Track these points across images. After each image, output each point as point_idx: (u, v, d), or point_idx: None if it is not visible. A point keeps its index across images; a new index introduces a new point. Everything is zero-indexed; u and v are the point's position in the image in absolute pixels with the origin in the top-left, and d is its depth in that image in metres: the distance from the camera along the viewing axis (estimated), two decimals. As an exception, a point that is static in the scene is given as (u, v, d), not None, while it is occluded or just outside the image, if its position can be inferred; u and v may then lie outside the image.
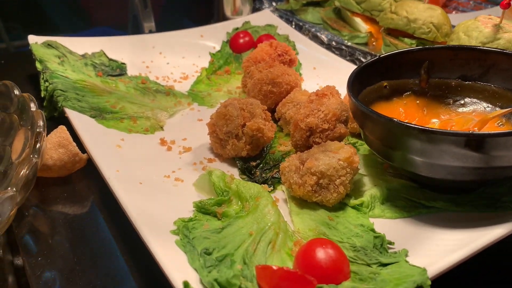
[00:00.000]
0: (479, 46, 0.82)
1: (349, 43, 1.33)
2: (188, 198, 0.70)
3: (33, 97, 0.78)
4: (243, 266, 0.56)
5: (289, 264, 0.59)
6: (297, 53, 1.26)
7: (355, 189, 0.73)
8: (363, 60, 1.25)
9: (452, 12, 1.64)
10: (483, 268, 0.65)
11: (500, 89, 0.77)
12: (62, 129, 0.81)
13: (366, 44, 1.34)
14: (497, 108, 0.77)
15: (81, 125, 0.86)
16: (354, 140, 0.88)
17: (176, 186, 0.76)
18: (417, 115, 0.78)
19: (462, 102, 0.80)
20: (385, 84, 0.81)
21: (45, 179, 0.81)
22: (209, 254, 0.58)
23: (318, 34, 1.39)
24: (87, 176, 0.83)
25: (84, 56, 1.15)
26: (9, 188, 0.65)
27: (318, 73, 1.18)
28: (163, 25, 1.63)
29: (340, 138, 0.78)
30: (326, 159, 0.68)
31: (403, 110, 0.79)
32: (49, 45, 1.13)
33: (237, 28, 1.39)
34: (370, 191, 0.72)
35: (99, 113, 0.92)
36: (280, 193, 0.76)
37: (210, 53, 1.29)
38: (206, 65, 1.25)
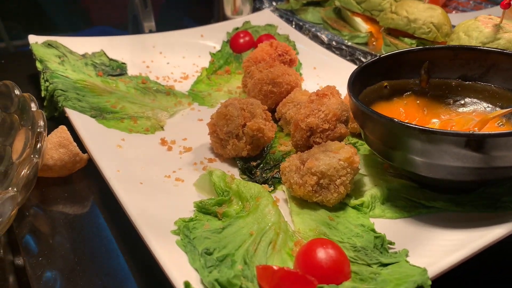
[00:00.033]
0: (479, 46, 0.82)
1: (349, 43, 1.33)
2: (189, 198, 0.71)
3: (33, 97, 0.78)
4: (244, 266, 0.57)
5: (290, 264, 0.59)
6: (297, 53, 1.26)
7: (356, 189, 0.73)
8: (364, 60, 1.25)
9: (452, 11, 1.64)
10: (483, 268, 0.66)
11: (500, 89, 0.77)
12: (62, 129, 0.82)
13: (366, 44, 1.34)
14: (497, 108, 0.77)
15: (81, 125, 0.86)
16: (354, 140, 0.88)
17: (176, 186, 0.76)
18: (417, 115, 0.78)
19: (463, 102, 0.80)
20: (386, 84, 0.82)
21: (45, 179, 0.81)
22: (210, 254, 0.58)
23: (318, 34, 1.39)
24: (87, 176, 0.84)
25: (84, 56, 1.15)
26: (9, 188, 0.65)
27: (318, 73, 1.18)
28: (163, 25, 1.63)
29: (340, 138, 0.78)
30: (326, 159, 0.68)
31: (404, 110, 0.79)
32: (49, 45, 1.13)
33: (237, 28, 1.39)
34: (371, 191, 0.72)
35: (99, 113, 0.92)
36: (281, 193, 0.76)
37: (210, 53, 1.29)
38: (206, 65, 1.25)
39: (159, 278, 0.58)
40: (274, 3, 1.67)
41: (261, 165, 0.83)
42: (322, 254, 0.55)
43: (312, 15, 1.52)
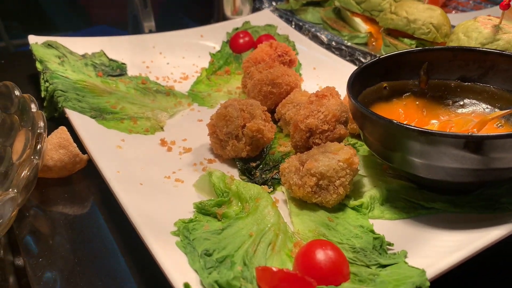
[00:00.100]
0: (479, 47, 0.82)
1: (349, 43, 1.33)
2: (188, 199, 0.71)
3: (33, 98, 0.78)
4: (243, 268, 0.57)
5: (289, 266, 0.59)
6: (297, 53, 1.26)
7: (355, 190, 0.74)
8: (363, 60, 1.25)
9: (452, 11, 1.64)
10: (482, 269, 0.66)
11: (499, 90, 0.78)
12: (62, 130, 0.82)
13: (366, 44, 1.34)
14: (496, 109, 0.77)
15: (81, 125, 0.86)
16: (353, 141, 0.88)
17: (176, 187, 0.76)
18: (416, 116, 0.79)
19: (462, 103, 0.80)
20: (385, 85, 0.82)
21: (45, 180, 0.81)
22: (210, 255, 0.58)
23: (318, 34, 1.39)
24: (87, 177, 0.84)
25: (84, 56, 1.15)
26: (10, 190, 0.65)
27: (318, 73, 1.18)
28: (163, 25, 1.63)
29: (339, 139, 0.78)
30: (325, 160, 0.68)
31: (403, 111, 0.80)
32: (49, 45, 1.13)
33: (237, 28, 1.39)
34: (370, 192, 0.72)
35: (99, 114, 0.92)
36: (280, 194, 0.76)
37: (210, 53, 1.30)
38: (206, 65, 1.25)
39: (159, 279, 0.58)
40: (273, 3, 1.67)
41: (261, 166, 0.83)
42: (321, 255, 0.55)
43: (312, 15, 1.52)
